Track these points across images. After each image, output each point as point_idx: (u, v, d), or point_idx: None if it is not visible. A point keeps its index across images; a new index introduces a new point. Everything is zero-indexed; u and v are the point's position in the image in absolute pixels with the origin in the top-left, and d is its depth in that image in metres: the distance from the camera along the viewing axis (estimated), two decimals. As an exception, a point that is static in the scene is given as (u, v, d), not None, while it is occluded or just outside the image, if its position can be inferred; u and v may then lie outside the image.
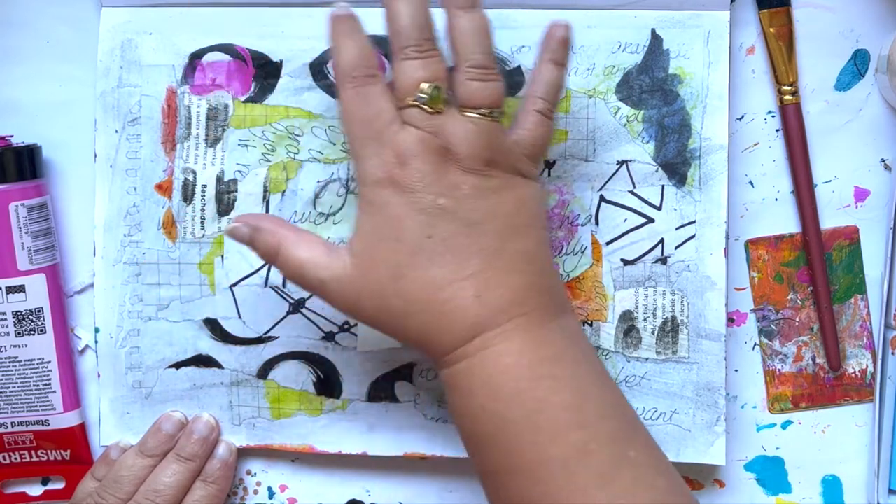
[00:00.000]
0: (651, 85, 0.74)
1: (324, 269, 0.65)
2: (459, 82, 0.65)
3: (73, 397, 0.77)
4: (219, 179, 0.75)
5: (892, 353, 0.75)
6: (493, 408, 0.62)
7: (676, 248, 0.74)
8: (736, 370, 0.77)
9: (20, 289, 0.74)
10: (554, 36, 0.68)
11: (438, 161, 0.63)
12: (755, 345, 0.76)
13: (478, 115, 0.64)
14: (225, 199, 0.75)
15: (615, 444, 0.62)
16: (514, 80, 0.74)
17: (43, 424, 0.76)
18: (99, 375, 0.76)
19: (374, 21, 0.74)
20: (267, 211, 0.75)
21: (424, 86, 0.64)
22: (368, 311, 0.65)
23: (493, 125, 0.65)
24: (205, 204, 0.75)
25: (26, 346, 0.75)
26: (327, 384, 0.76)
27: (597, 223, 0.74)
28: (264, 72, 0.75)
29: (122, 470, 0.74)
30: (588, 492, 0.60)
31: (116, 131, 0.75)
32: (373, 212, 0.64)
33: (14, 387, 0.76)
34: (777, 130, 0.75)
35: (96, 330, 0.76)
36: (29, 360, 0.75)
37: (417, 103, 0.64)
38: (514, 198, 0.65)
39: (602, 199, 0.74)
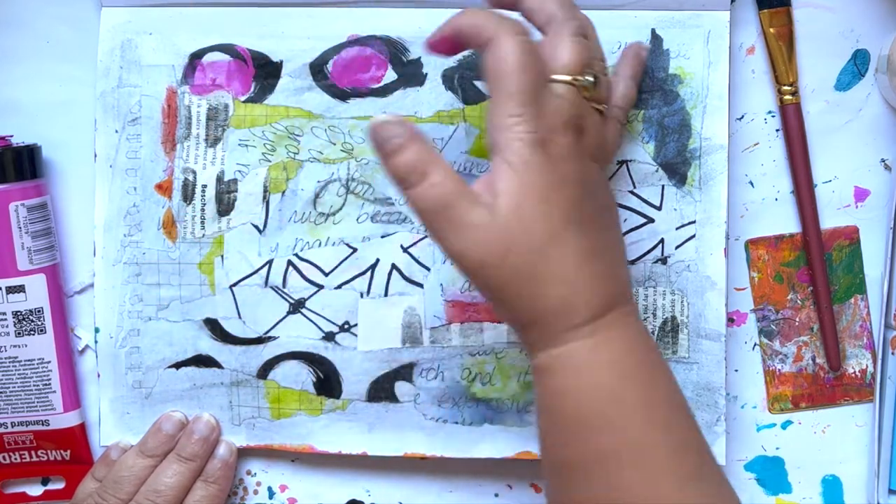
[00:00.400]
0: (651, 85, 0.74)
1: (475, 211, 0.61)
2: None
3: (73, 397, 0.77)
4: (219, 179, 0.75)
5: (892, 353, 0.75)
6: (611, 385, 0.61)
7: (676, 248, 0.74)
8: (736, 370, 0.77)
9: (20, 289, 0.74)
10: (637, 55, 0.72)
11: (578, 140, 0.63)
12: (755, 345, 0.77)
13: (598, 110, 0.65)
14: (225, 199, 0.75)
15: (701, 443, 0.63)
16: (514, 80, 0.74)
17: (43, 424, 0.76)
18: (99, 375, 0.76)
19: (381, 21, 0.74)
20: (267, 212, 0.75)
21: (588, 71, 0.63)
22: (507, 270, 0.61)
23: (604, 121, 0.67)
24: (205, 204, 0.75)
25: (26, 346, 0.75)
26: (327, 384, 0.76)
27: (597, 223, 0.74)
28: (264, 72, 0.75)
29: (122, 470, 0.74)
30: (685, 486, 0.60)
31: (116, 131, 0.75)
32: (522, 170, 0.61)
33: (14, 387, 0.76)
34: (777, 130, 0.75)
35: (96, 330, 0.76)
36: (29, 360, 0.75)
37: (577, 84, 0.63)
38: (613, 196, 0.68)
39: (602, 199, 0.74)
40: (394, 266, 0.75)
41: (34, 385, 0.76)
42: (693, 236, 0.74)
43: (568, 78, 0.63)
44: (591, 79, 0.63)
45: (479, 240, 0.61)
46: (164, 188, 0.75)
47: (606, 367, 0.62)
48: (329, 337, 0.75)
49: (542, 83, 0.62)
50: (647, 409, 0.61)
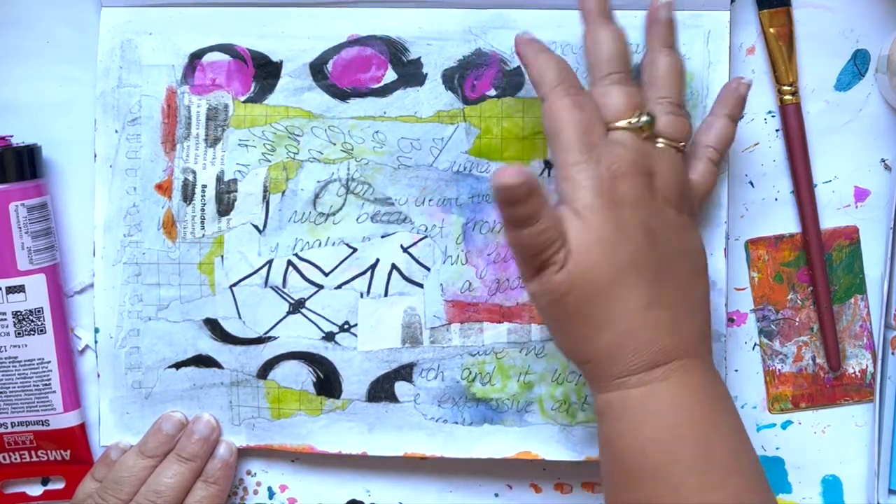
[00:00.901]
0: (651, 85, 0.74)
1: (553, 253, 0.63)
2: (658, 113, 0.66)
3: (73, 397, 0.77)
4: (219, 179, 0.75)
5: (892, 353, 0.75)
6: (665, 440, 0.62)
7: (676, 248, 0.74)
8: (736, 370, 0.77)
9: (20, 289, 0.74)
10: (736, 92, 0.71)
11: (646, 184, 0.64)
12: (755, 345, 0.76)
13: (674, 148, 0.66)
14: (225, 199, 0.75)
15: (766, 494, 0.63)
16: (514, 80, 0.74)
17: (43, 424, 0.76)
18: (99, 375, 0.76)
19: (381, 21, 0.74)
20: (267, 212, 0.75)
21: (638, 112, 0.65)
22: (566, 308, 0.63)
23: (683, 161, 0.67)
24: (205, 204, 0.75)
25: (26, 346, 0.75)
26: (327, 384, 0.76)
27: (597, 223, 0.74)
28: (264, 72, 0.75)
29: (122, 471, 0.74)
30: None
31: (116, 131, 0.75)
32: (586, 217, 0.63)
33: (14, 387, 0.76)
34: (777, 130, 0.75)
35: (96, 330, 0.76)
36: (29, 360, 0.75)
37: (631, 127, 0.65)
38: (697, 240, 0.67)
39: (602, 199, 0.74)
40: (394, 266, 0.75)
41: (34, 385, 0.76)
42: (693, 236, 0.74)
43: (622, 123, 0.64)
44: (646, 118, 0.65)
45: (551, 281, 0.63)
46: (164, 188, 0.75)
47: (656, 419, 0.62)
48: (329, 337, 0.75)
49: (598, 132, 0.64)
50: (702, 471, 0.62)
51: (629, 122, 0.65)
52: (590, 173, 0.63)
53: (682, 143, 0.66)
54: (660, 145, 0.66)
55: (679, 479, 0.61)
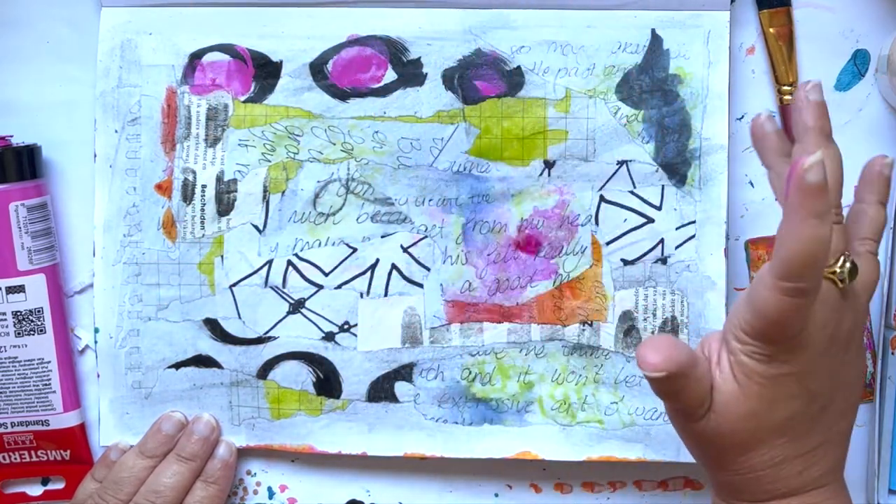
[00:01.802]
0: (651, 85, 0.74)
1: (695, 409, 0.61)
2: (859, 253, 0.63)
3: (73, 397, 0.77)
4: (218, 179, 0.75)
5: (892, 353, 0.75)
6: None
7: (676, 248, 0.74)
8: (736, 370, 0.76)
9: (20, 289, 0.74)
10: (881, 175, 0.64)
11: (821, 342, 0.59)
12: (755, 345, 0.76)
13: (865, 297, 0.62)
14: (225, 199, 0.75)
15: None
16: (514, 80, 0.74)
17: (43, 424, 0.76)
18: (98, 375, 0.76)
19: (381, 21, 0.74)
20: (267, 212, 0.75)
21: (844, 260, 0.59)
22: (695, 443, 0.63)
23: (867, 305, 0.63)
24: (204, 204, 0.75)
25: (26, 346, 0.75)
26: (327, 384, 0.76)
27: (597, 223, 0.74)
28: (264, 72, 0.75)
29: (122, 471, 0.74)
30: None
31: (116, 131, 0.75)
32: (743, 384, 0.60)
33: (14, 387, 0.76)
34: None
35: (96, 330, 0.76)
36: (29, 360, 0.75)
37: (833, 277, 0.59)
38: (856, 373, 0.63)
39: (602, 199, 0.74)
40: (394, 266, 0.75)
41: (34, 385, 0.76)
42: (693, 236, 0.74)
43: (825, 273, 0.59)
44: (849, 266, 0.59)
45: (698, 424, 0.61)
46: (164, 188, 0.75)
47: None
48: (329, 337, 0.75)
49: None
50: None
51: (831, 272, 0.59)
52: (758, 349, 0.59)
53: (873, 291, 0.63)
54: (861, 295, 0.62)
55: None
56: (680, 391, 0.60)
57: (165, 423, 0.76)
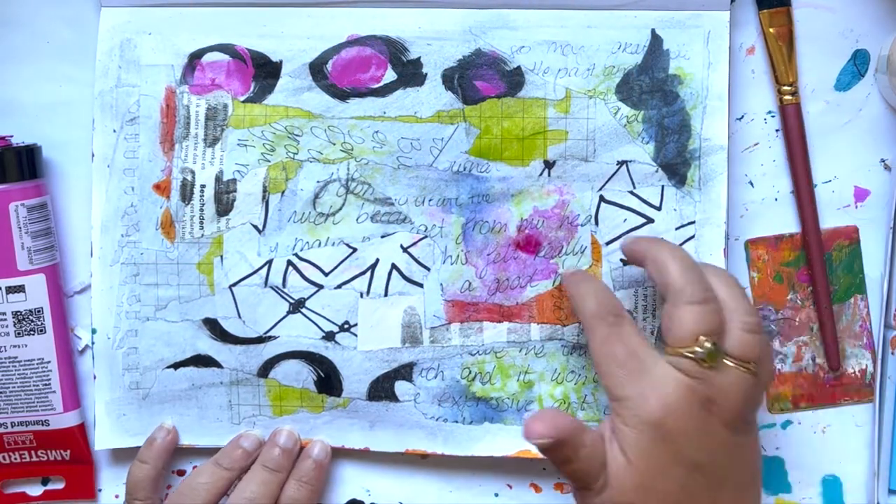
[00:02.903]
0: (651, 85, 0.74)
1: (591, 481, 0.64)
2: (730, 332, 0.64)
3: (73, 397, 0.77)
4: (217, 179, 0.75)
5: (892, 353, 0.75)
6: None
7: (676, 248, 0.74)
8: (736, 370, 0.76)
9: (20, 289, 0.74)
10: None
11: (701, 412, 0.62)
12: (755, 345, 0.76)
13: (745, 369, 0.63)
14: (224, 199, 0.75)
15: None
16: (514, 80, 0.74)
17: (43, 424, 0.76)
18: (95, 377, 0.76)
19: (381, 21, 0.74)
20: (266, 212, 0.75)
21: (703, 340, 0.62)
22: None
23: (756, 380, 0.64)
24: (203, 204, 0.75)
25: (26, 346, 0.75)
26: (328, 383, 0.76)
27: (596, 223, 0.74)
28: (264, 72, 0.75)
29: (199, 477, 0.74)
30: None
31: (114, 131, 0.75)
32: (631, 458, 0.62)
33: (14, 387, 0.76)
34: (777, 130, 0.75)
35: (93, 331, 0.76)
36: (29, 360, 0.75)
37: (693, 357, 0.62)
38: (753, 449, 0.65)
39: (602, 199, 0.74)
40: (393, 266, 0.75)
41: (34, 385, 0.76)
42: (692, 237, 0.74)
43: (681, 352, 0.63)
44: (710, 347, 0.62)
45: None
46: (162, 188, 0.75)
47: None
48: (329, 337, 0.75)
49: (642, 362, 0.63)
50: None
51: (690, 352, 0.62)
52: (637, 404, 0.62)
53: (752, 365, 0.63)
54: (728, 364, 0.63)
55: None
56: (570, 459, 0.63)
57: (245, 440, 0.75)
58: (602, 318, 0.65)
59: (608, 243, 0.74)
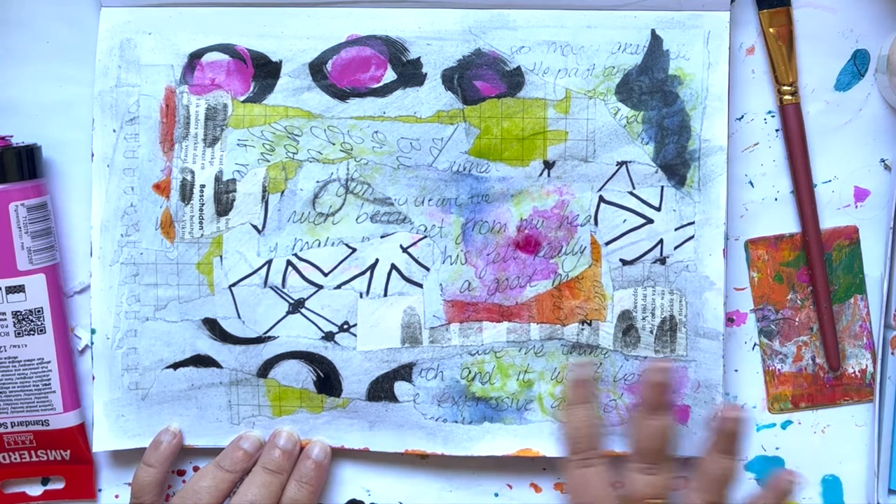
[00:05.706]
0: (651, 86, 0.74)
1: None
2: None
3: (73, 397, 0.77)
4: (217, 179, 0.75)
5: (892, 353, 0.75)
6: None
7: (675, 248, 0.74)
8: (736, 370, 0.76)
9: (20, 289, 0.74)
10: (783, 490, 0.68)
11: None
12: (755, 345, 0.76)
13: None
14: (223, 199, 0.75)
15: None
16: (514, 80, 0.74)
17: (43, 424, 0.77)
18: (94, 378, 0.76)
19: (380, 21, 0.74)
20: (266, 212, 0.75)
21: (650, 502, 0.66)
22: None
23: None
24: (203, 204, 0.75)
25: (26, 346, 0.75)
26: (327, 383, 0.76)
27: (596, 223, 0.74)
28: (264, 72, 0.75)
29: (202, 480, 0.74)
30: None
31: (114, 131, 0.75)
32: None
33: (14, 387, 0.76)
34: (777, 130, 0.75)
35: (92, 331, 0.76)
36: (29, 360, 0.75)
37: None
38: None
39: (601, 199, 0.74)
40: (393, 266, 0.75)
41: (34, 385, 0.76)
42: (692, 237, 0.74)
43: None
44: None
45: None
46: (162, 188, 0.75)
47: None
48: (329, 337, 0.75)
49: None
50: None
51: None
52: None
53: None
54: None
55: None
56: None
57: (245, 442, 0.75)
58: (577, 452, 0.67)
59: (607, 243, 0.74)
